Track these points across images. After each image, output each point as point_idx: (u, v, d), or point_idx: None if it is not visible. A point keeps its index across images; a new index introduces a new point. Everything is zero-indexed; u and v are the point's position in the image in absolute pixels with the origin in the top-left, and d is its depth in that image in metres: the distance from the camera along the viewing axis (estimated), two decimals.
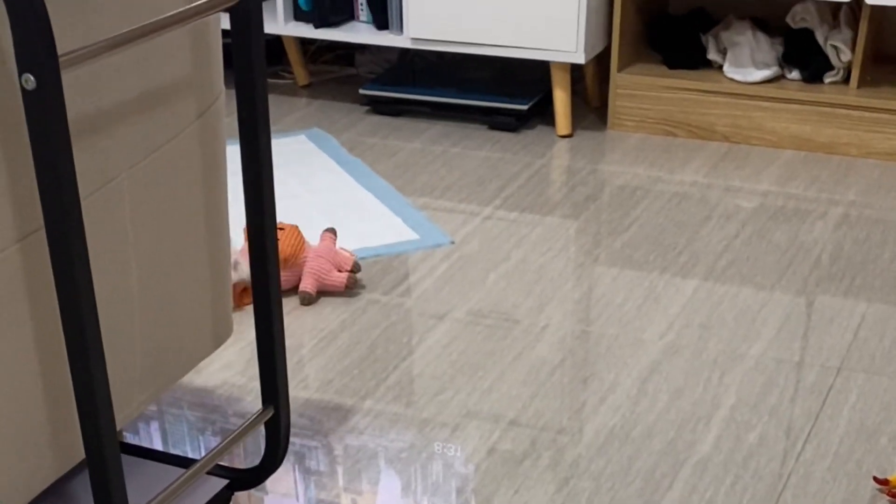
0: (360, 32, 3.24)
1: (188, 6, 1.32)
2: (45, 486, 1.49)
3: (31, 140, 1.18)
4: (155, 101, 1.45)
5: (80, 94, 1.32)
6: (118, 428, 1.53)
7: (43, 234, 1.30)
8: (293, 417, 2.01)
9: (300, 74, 3.53)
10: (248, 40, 1.38)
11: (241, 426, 1.63)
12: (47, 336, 1.40)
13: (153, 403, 2.06)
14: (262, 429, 1.87)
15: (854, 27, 2.97)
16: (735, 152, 3.04)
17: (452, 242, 2.58)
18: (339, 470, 1.89)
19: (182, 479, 1.54)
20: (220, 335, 1.77)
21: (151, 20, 1.24)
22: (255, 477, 1.76)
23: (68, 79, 1.28)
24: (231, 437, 1.61)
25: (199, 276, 1.67)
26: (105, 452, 1.36)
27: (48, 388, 1.44)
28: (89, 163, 1.36)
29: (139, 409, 1.61)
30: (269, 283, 1.57)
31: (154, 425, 2.02)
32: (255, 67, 1.40)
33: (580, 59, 3.01)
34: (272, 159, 1.54)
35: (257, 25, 1.38)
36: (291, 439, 1.95)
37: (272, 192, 1.54)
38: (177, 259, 1.61)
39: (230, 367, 2.16)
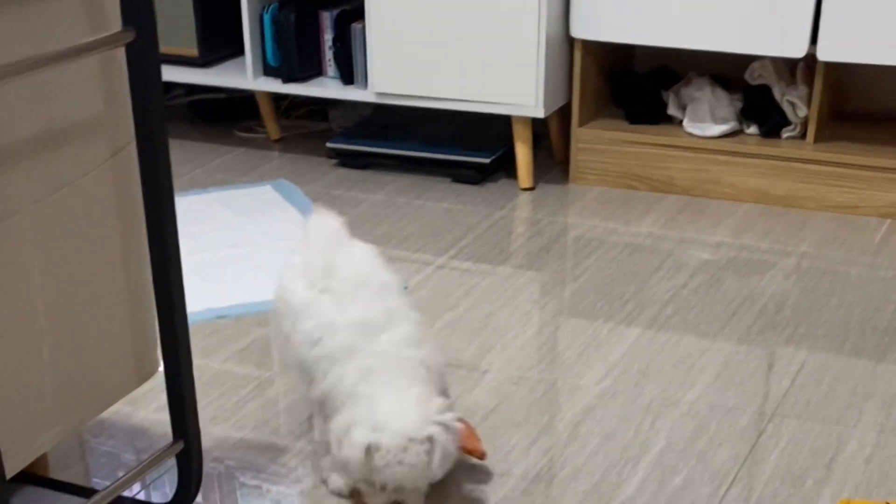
0: (327, 87, 3.30)
1: (77, 43, 1.36)
2: None
3: None
4: (61, 137, 1.49)
5: None
6: (18, 468, 1.55)
7: None
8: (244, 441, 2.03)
9: (272, 129, 3.59)
10: (144, 78, 1.42)
11: (147, 459, 1.65)
12: None
13: (74, 436, 2.08)
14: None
15: (810, 83, 3.01)
16: (694, 205, 3.07)
17: (406, 288, 2.61)
18: None
19: None
20: (144, 371, 1.80)
21: (32, 54, 1.29)
22: None
23: None
24: (137, 469, 1.63)
25: (116, 313, 1.70)
26: None
27: None
28: None
29: (49, 444, 1.64)
30: (174, 315, 1.60)
31: (73, 457, 2.04)
32: (151, 105, 1.44)
33: (539, 112, 3.05)
34: (173, 200, 1.57)
35: (153, 63, 1.42)
36: (217, 477, 1.97)
37: (175, 229, 1.57)
38: (90, 297, 1.64)
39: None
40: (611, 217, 3.01)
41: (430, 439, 1.77)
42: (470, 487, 1.95)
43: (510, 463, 2.02)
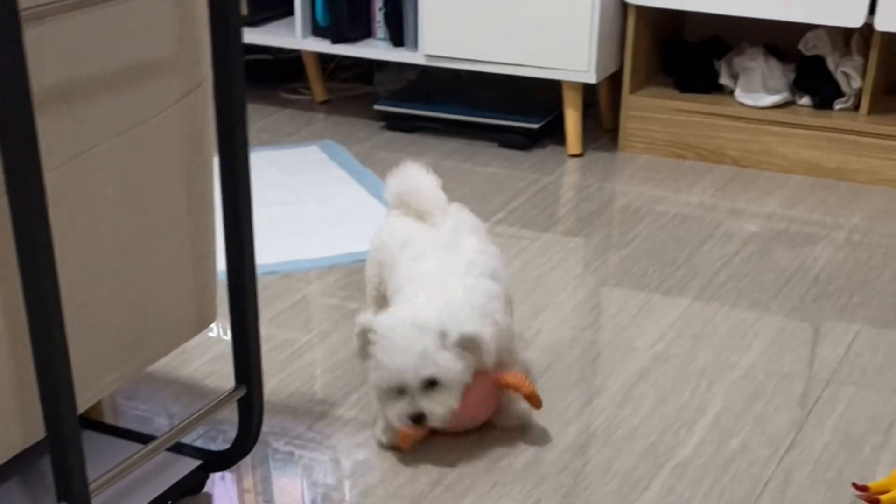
0: (376, 49, 3.28)
1: None
2: (10, 455, 1.50)
3: None
4: (136, 75, 1.48)
5: (53, 60, 1.35)
6: (87, 406, 1.55)
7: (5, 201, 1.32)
8: (277, 406, 2.02)
9: (318, 90, 3.57)
10: (225, 14, 1.41)
11: (209, 404, 1.64)
12: (15, 303, 1.43)
13: (133, 384, 2.08)
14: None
15: (865, 54, 2.98)
16: (744, 176, 3.05)
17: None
18: (324, 462, 1.91)
19: (141, 453, 1.55)
20: (202, 320, 1.79)
21: None
22: (228, 458, 1.77)
23: (37, 41, 1.30)
24: (197, 414, 1.62)
25: (181, 258, 1.70)
26: (64, 430, 1.37)
27: (17, 361, 1.46)
28: (62, 131, 1.39)
29: (110, 388, 1.63)
30: (244, 257, 1.59)
31: (131, 406, 2.04)
32: (231, 43, 1.42)
33: (591, 78, 3.03)
34: (248, 143, 1.56)
35: (234, 10, 1.41)
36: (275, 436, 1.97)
37: (248, 174, 1.56)
38: (157, 239, 1.63)
39: (222, 359, 2.18)
40: (660, 185, 2.98)
41: (442, 334, 1.78)
42: (524, 446, 1.94)
43: (565, 422, 2.00)
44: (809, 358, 2.20)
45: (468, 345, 1.80)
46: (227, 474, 1.85)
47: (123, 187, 1.54)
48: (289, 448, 1.94)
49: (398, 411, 1.81)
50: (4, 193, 1.30)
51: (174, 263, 1.69)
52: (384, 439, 1.92)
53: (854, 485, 1.83)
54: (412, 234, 2.01)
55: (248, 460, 1.85)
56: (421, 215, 2.03)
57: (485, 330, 1.82)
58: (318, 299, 2.43)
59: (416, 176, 2.08)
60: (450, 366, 1.79)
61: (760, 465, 1.89)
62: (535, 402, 1.93)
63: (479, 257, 1.94)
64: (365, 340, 1.80)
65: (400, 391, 1.80)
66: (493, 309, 1.90)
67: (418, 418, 1.81)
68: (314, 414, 2.02)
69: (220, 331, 2.25)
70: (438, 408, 1.81)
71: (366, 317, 1.82)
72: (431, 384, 1.80)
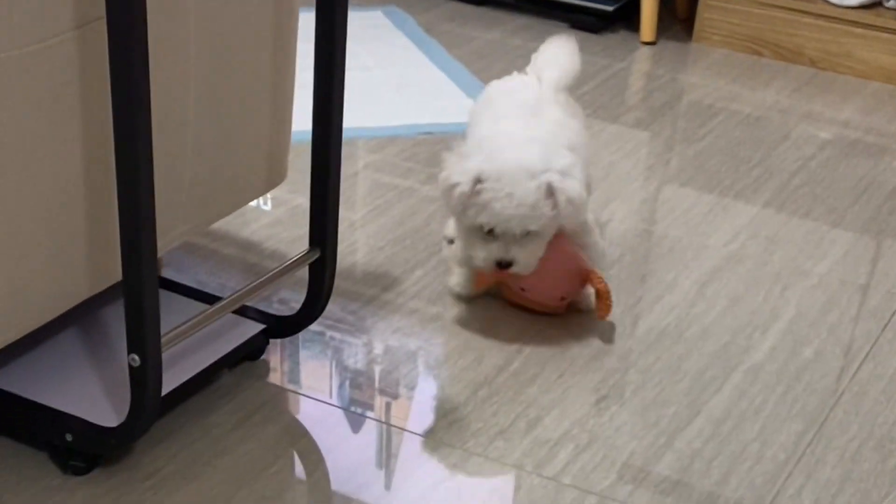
0: None
1: None
2: (76, 302, 1.45)
3: None
4: None
5: None
6: (161, 251, 1.49)
7: (103, 24, 1.24)
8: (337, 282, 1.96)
9: None
10: None
11: (281, 265, 1.58)
12: (96, 142, 1.36)
13: (196, 242, 2.02)
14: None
15: None
16: (821, 78, 2.94)
17: None
18: (380, 333, 1.85)
19: (208, 312, 1.49)
20: (272, 178, 1.73)
21: None
22: (293, 325, 1.71)
23: None
24: (268, 275, 1.56)
25: (259, 113, 1.62)
26: (142, 276, 1.31)
27: (92, 201, 1.39)
28: None
29: (180, 239, 1.57)
30: (331, 119, 1.51)
31: (193, 267, 1.98)
32: None
33: None
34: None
35: None
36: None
37: (345, 27, 1.48)
38: (237, 90, 1.56)
39: (279, 224, 2.12)
40: (735, 81, 2.88)
41: (549, 186, 1.73)
42: (593, 338, 1.88)
43: (635, 316, 1.94)
44: (885, 271, 2.12)
45: (568, 203, 1.75)
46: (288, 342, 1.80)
47: (208, 35, 1.46)
48: (346, 325, 1.88)
49: (488, 254, 1.77)
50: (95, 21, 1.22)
51: (252, 117, 1.62)
52: (461, 289, 1.91)
53: None
54: (499, 95, 1.93)
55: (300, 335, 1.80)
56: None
57: (583, 189, 1.78)
58: (376, 172, 2.35)
59: (559, 48, 1.99)
60: (549, 219, 1.75)
61: (835, 377, 1.83)
62: (604, 305, 1.85)
63: (560, 128, 1.86)
64: (472, 188, 1.73)
65: (493, 235, 1.75)
66: None
67: (507, 265, 1.76)
68: (376, 288, 1.96)
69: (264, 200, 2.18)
70: (528, 256, 1.77)
71: (473, 164, 1.74)
72: (527, 234, 1.75)
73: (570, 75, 1.97)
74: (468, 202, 1.74)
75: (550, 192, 1.73)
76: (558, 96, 1.92)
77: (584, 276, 1.85)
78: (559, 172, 1.74)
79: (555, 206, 1.73)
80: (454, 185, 1.74)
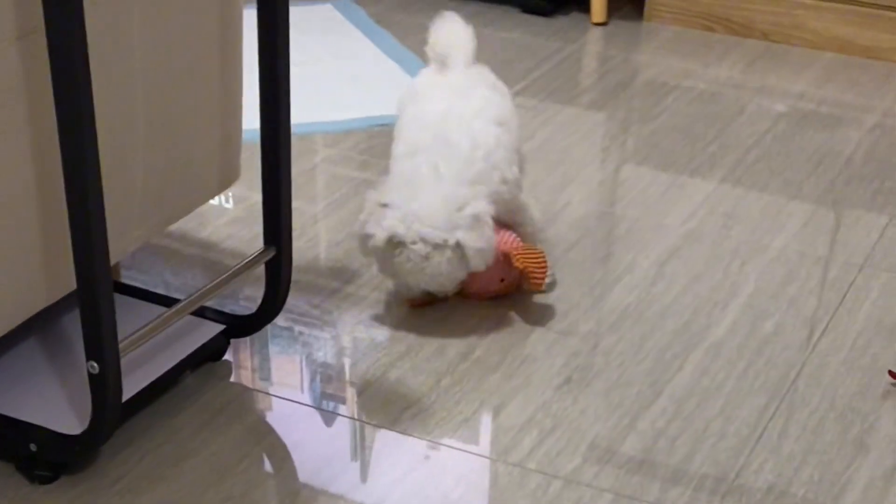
0: None
1: None
2: (33, 312, 1.45)
3: None
4: None
5: None
6: (113, 262, 1.48)
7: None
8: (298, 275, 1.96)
9: None
10: None
11: (236, 265, 1.58)
12: (45, 150, 1.35)
13: (153, 244, 2.01)
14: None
15: None
16: (773, 51, 2.95)
17: None
18: (342, 325, 1.86)
19: (167, 314, 1.49)
20: (226, 178, 1.73)
21: None
22: (252, 323, 1.71)
23: None
24: (224, 276, 1.56)
25: (208, 112, 1.62)
26: (97, 284, 1.31)
27: (44, 213, 1.39)
28: None
29: (136, 243, 1.57)
30: (279, 116, 1.51)
31: (153, 269, 1.98)
32: None
33: None
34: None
35: None
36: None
37: (287, 34, 1.48)
38: (186, 91, 1.56)
39: (238, 222, 2.11)
40: (687, 58, 2.89)
41: (458, 244, 1.74)
42: (555, 321, 1.89)
43: (595, 298, 1.95)
44: (843, 242, 2.14)
45: (477, 254, 1.78)
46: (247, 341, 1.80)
47: (154, 36, 1.45)
48: (306, 320, 1.88)
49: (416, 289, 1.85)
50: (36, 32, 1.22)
51: (201, 118, 1.61)
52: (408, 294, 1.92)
53: (890, 372, 1.79)
54: (427, 86, 1.94)
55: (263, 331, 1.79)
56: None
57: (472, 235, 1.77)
58: (334, 166, 2.35)
59: (453, 26, 2.00)
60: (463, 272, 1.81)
61: (795, 350, 1.85)
62: (531, 282, 1.85)
63: (487, 104, 1.87)
64: (385, 246, 1.78)
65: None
66: (498, 159, 1.83)
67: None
68: (331, 285, 1.96)
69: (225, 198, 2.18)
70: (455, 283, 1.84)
71: (387, 222, 1.76)
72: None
73: (473, 49, 2.00)
74: (382, 255, 1.78)
75: (459, 247, 1.75)
76: (482, 74, 1.94)
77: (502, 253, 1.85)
78: (466, 227, 1.75)
79: (464, 257, 1.76)
80: (369, 237, 1.77)
